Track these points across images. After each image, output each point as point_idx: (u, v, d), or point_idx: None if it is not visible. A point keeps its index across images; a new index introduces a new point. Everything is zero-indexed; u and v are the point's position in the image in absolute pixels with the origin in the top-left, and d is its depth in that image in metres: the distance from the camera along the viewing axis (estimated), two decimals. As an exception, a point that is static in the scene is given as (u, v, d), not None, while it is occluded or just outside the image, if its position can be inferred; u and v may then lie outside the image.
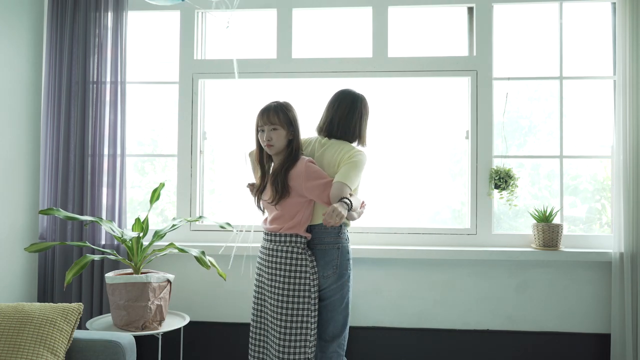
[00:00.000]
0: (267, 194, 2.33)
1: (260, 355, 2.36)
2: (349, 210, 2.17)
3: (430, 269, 2.93)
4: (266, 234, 2.37)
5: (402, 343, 2.93)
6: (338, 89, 2.51)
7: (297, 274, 2.26)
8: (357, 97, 2.45)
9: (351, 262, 2.38)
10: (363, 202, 2.46)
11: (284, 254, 2.27)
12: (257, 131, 2.35)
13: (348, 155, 2.32)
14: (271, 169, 2.37)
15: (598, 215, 3.05)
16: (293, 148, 2.32)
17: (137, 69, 3.16)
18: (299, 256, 2.27)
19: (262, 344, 2.36)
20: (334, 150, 2.37)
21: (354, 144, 2.44)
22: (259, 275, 2.39)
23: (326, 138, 2.44)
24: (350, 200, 2.18)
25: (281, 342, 2.24)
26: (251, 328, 2.40)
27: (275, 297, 2.26)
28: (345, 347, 2.37)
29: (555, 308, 2.89)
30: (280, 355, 2.24)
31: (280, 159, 2.34)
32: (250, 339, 2.39)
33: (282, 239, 2.29)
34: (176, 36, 3.13)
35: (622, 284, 2.76)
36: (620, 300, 2.76)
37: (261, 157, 2.40)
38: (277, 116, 2.29)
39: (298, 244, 2.28)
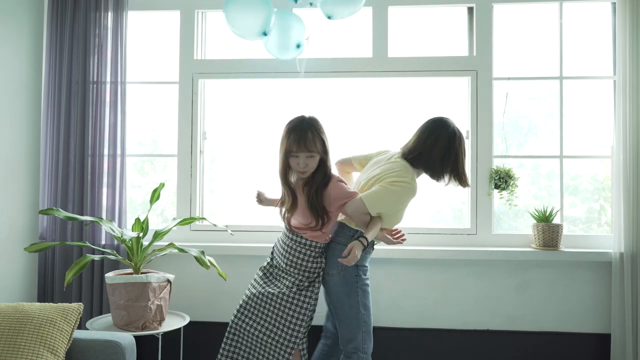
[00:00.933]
0: (307, 219, 2.27)
1: (241, 333, 2.35)
2: (365, 248, 2.21)
3: (430, 269, 2.93)
4: (287, 229, 2.37)
5: (402, 343, 2.93)
6: (435, 117, 2.38)
7: (309, 273, 2.33)
8: (453, 136, 2.32)
9: (363, 270, 2.35)
10: (397, 233, 2.42)
11: (300, 254, 2.32)
12: (288, 154, 2.25)
13: (390, 180, 2.26)
14: (305, 194, 2.28)
15: (598, 215, 3.05)
16: (325, 169, 2.27)
17: (137, 69, 3.15)
18: (315, 259, 2.33)
19: (247, 326, 2.34)
20: (386, 168, 2.32)
21: (445, 181, 2.36)
22: (271, 259, 2.45)
23: (400, 158, 2.37)
24: (367, 240, 2.21)
25: (276, 331, 2.30)
26: (240, 308, 2.36)
27: (283, 288, 2.33)
28: (368, 350, 2.34)
29: (555, 308, 2.89)
30: (270, 343, 2.30)
31: (311, 180, 2.28)
32: (234, 318, 2.36)
33: (303, 240, 2.31)
34: (176, 36, 3.13)
35: (622, 284, 2.76)
36: (620, 300, 2.76)
37: (287, 176, 2.32)
38: (315, 144, 2.21)
39: (316, 248, 2.33)
